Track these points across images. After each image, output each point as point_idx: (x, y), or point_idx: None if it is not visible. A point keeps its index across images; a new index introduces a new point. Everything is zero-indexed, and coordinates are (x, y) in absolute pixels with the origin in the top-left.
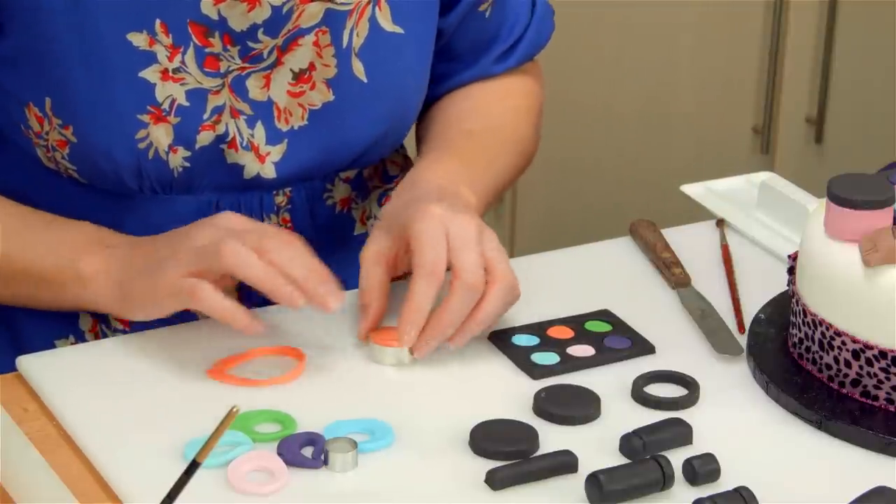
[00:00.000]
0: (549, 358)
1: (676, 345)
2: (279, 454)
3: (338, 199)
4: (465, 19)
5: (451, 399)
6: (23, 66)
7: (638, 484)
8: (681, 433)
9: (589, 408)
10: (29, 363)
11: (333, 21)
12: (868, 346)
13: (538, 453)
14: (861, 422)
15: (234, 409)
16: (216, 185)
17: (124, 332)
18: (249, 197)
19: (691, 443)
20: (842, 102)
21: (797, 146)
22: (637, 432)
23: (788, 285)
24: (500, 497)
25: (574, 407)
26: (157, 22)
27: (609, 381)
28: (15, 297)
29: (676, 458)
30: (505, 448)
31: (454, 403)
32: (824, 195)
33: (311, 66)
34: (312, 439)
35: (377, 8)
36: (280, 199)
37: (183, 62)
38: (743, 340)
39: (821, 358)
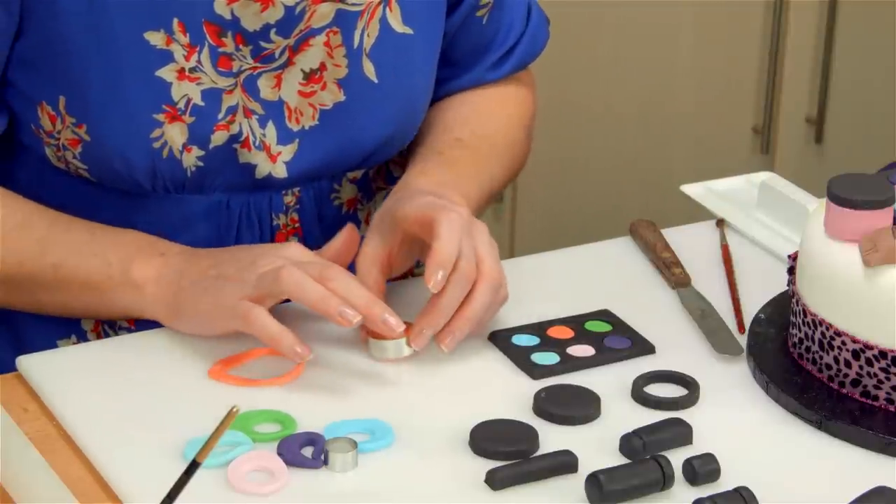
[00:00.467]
0: (549, 358)
1: (676, 345)
2: (279, 454)
3: (345, 200)
4: (463, 24)
5: (451, 399)
6: (39, 66)
7: (638, 484)
8: (681, 433)
9: (589, 408)
10: (29, 363)
11: (345, 21)
12: (868, 346)
13: (538, 453)
14: (861, 422)
15: (234, 409)
16: (228, 184)
17: (129, 330)
18: (259, 197)
19: (691, 443)
20: (842, 102)
21: (797, 146)
22: (637, 432)
23: (788, 285)
24: (500, 497)
25: (574, 407)
26: (175, 21)
27: (609, 381)
28: (61, 308)
29: (676, 458)
30: (505, 448)
31: (454, 403)
32: (824, 195)
33: (322, 67)
34: (312, 439)
35: (388, 9)
36: (289, 199)
37: (199, 61)
38: (743, 340)
39: (821, 358)
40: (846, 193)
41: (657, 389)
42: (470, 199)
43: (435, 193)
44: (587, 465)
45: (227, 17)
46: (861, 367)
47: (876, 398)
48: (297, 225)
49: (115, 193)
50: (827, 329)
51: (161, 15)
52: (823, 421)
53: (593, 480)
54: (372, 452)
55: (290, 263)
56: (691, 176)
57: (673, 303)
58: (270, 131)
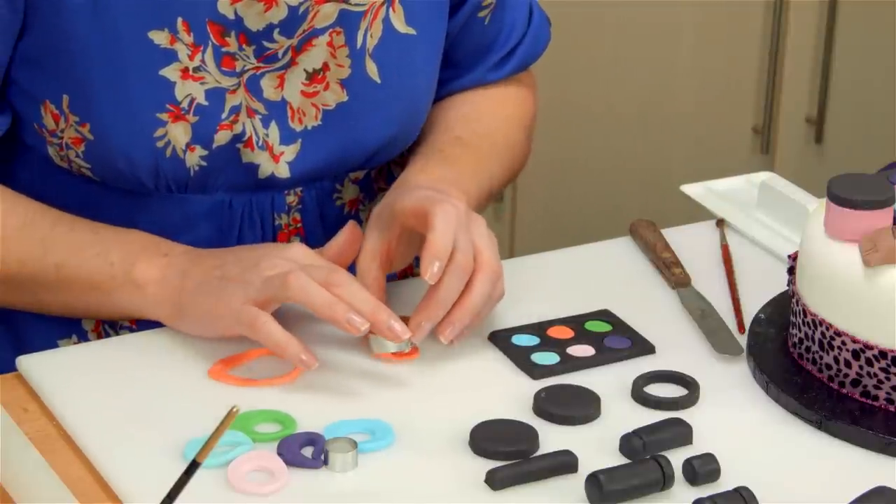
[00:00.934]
0: (549, 358)
1: (676, 345)
2: (279, 454)
3: (346, 200)
4: (465, 25)
5: (451, 399)
6: (43, 64)
7: (638, 484)
8: (681, 433)
9: (589, 408)
10: (29, 363)
11: (348, 22)
12: (868, 346)
13: (538, 453)
14: (861, 422)
15: (234, 409)
16: (230, 184)
17: (130, 329)
18: (262, 197)
19: (691, 443)
20: (842, 102)
21: (797, 146)
22: (637, 432)
23: (788, 285)
24: (500, 497)
25: (574, 407)
26: (179, 20)
27: (609, 381)
28: (64, 307)
29: (676, 458)
30: (505, 448)
31: (454, 403)
32: (824, 195)
33: (325, 67)
34: (312, 439)
35: (391, 9)
36: (291, 199)
37: (203, 61)
38: (743, 340)
39: (821, 358)
40: (846, 193)
41: (657, 389)
42: (469, 195)
43: (434, 189)
44: (587, 465)
45: (231, 16)
46: (861, 367)
47: (876, 398)
48: (298, 225)
49: (118, 193)
50: (827, 329)
51: (165, 14)
52: (823, 421)
53: (593, 480)
54: (372, 452)
55: (296, 268)
56: (691, 176)
57: (673, 303)
58: (273, 131)
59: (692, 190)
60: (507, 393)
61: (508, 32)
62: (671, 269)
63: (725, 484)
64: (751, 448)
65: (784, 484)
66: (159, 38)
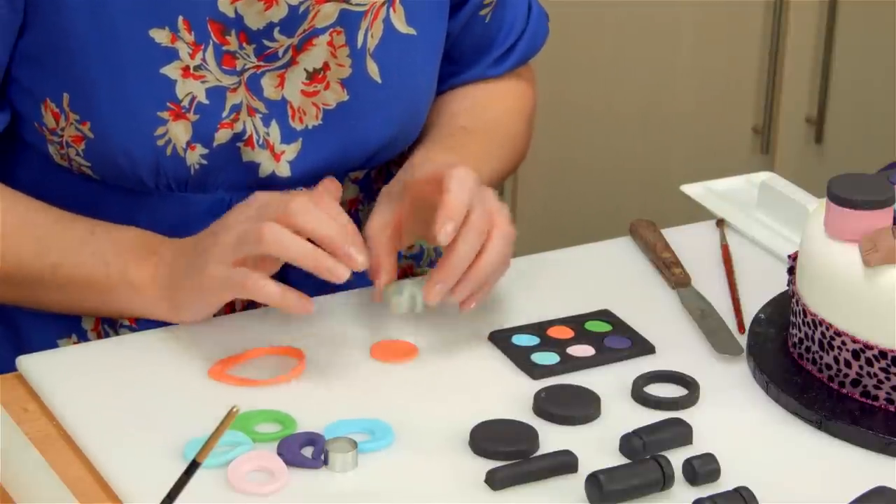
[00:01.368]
0: (549, 358)
1: (676, 345)
2: (279, 454)
3: (346, 200)
4: (467, 24)
5: (451, 399)
6: (43, 62)
7: (638, 484)
8: (681, 433)
9: (589, 408)
10: (29, 363)
11: (348, 21)
12: (868, 346)
13: (538, 453)
14: (861, 422)
15: (234, 409)
16: (231, 183)
17: (131, 329)
18: None
19: (691, 443)
20: (842, 102)
21: (797, 146)
22: (637, 432)
23: (788, 285)
24: (500, 497)
25: (574, 407)
26: (180, 19)
27: (609, 381)
28: (61, 306)
29: (676, 458)
30: (505, 448)
31: (454, 403)
32: (824, 195)
33: (326, 67)
34: (312, 439)
35: (391, 9)
36: None
37: (204, 60)
38: (743, 340)
39: (821, 358)
40: (846, 193)
41: (657, 389)
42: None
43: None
44: (587, 465)
45: (231, 15)
46: (861, 367)
47: (876, 398)
48: None
49: (118, 191)
50: (827, 329)
51: (165, 12)
52: (823, 421)
53: (593, 480)
54: (372, 452)
55: (262, 216)
56: (691, 176)
57: (673, 303)
58: (274, 130)
59: (692, 190)
60: (507, 393)
61: (508, 30)
62: (671, 269)
63: (725, 484)
64: (751, 448)
65: (784, 484)
66: (160, 36)
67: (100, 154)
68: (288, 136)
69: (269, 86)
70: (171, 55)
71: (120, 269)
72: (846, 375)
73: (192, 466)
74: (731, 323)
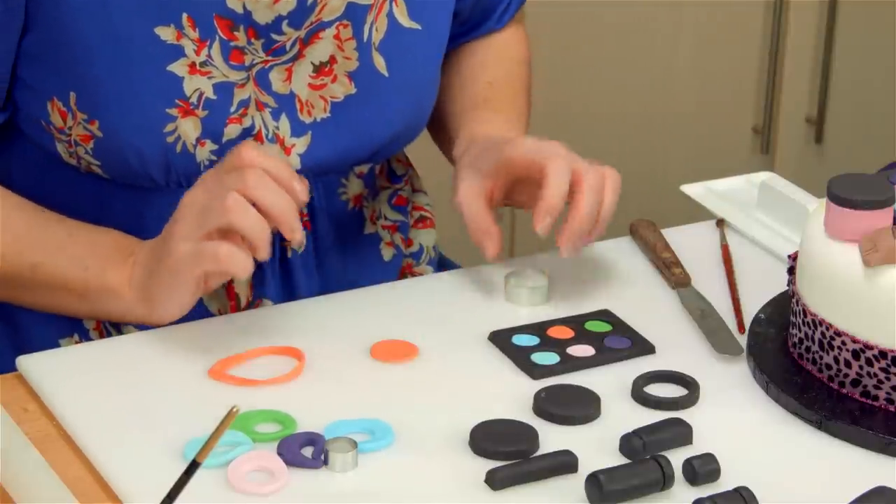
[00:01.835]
0: (549, 358)
1: (676, 345)
2: (279, 454)
3: (351, 196)
4: None
5: (451, 399)
6: (48, 61)
7: (638, 484)
8: (681, 433)
9: (589, 408)
10: (29, 363)
11: (355, 15)
12: (868, 346)
13: (538, 453)
14: (861, 422)
15: (234, 409)
16: None
17: (135, 326)
18: None
19: (691, 443)
20: (842, 102)
21: (797, 146)
22: (637, 432)
23: (788, 285)
24: (500, 497)
25: (574, 407)
26: (184, 16)
27: (609, 381)
28: (42, 306)
29: (676, 458)
30: (505, 448)
31: (454, 403)
32: (824, 195)
33: (332, 60)
34: (312, 439)
35: (394, 4)
36: None
37: (209, 56)
38: (743, 340)
39: (821, 358)
40: (846, 193)
41: (657, 389)
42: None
43: (505, 138)
44: (587, 465)
45: (240, 10)
46: (861, 367)
47: (876, 398)
48: (305, 219)
49: (126, 189)
50: (827, 329)
51: (170, 10)
52: (823, 421)
53: (593, 480)
54: (372, 452)
55: (220, 188)
56: (691, 176)
57: (673, 303)
58: (284, 124)
59: (692, 190)
60: (507, 393)
61: None
62: (671, 269)
63: (725, 484)
64: (751, 448)
65: (784, 484)
66: (165, 34)
67: (109, 152)
68: (298, 129)
69: (277, 80)
70: (177, 52)
71: (97, 273)
72: (846, 375)
73: (192, 466)
74: (731, 323)
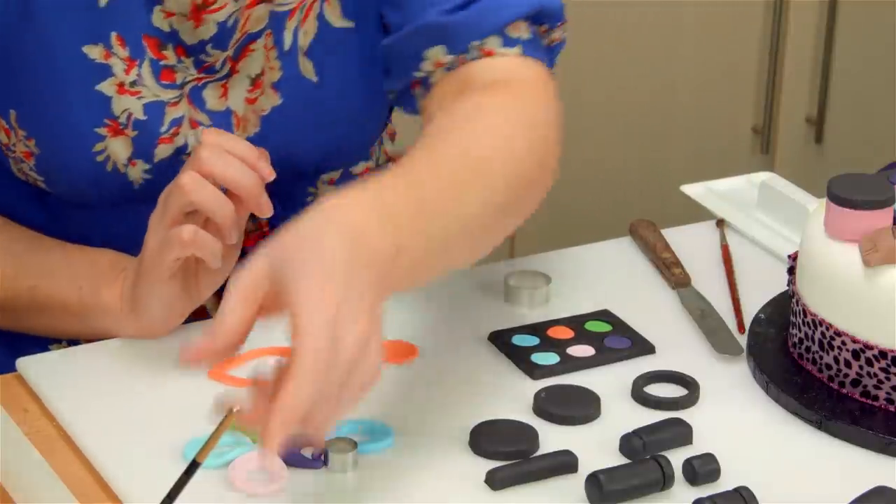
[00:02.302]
0: (549, 358)
1: (676, 345)
2: (279, 454)
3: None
4: None
5: (451, 399)
6: None
7: (638, 484)
8: (681, 433)
9: (589, 408)
10: (28, 364)
11: (275, 22)
12: (868, 346)
13: (538, 453)
14: (861, 422)
15: (235, 409)
16: None
17: None
18: None
19: (691, 443)
20: (842, 102)
21: (797, 146)
22: (637, 432)
23: (788, 285)
24: (500, 497)
25: (574, 407)
26: (113, 35)
27: (609, 381)
28: (41, 329)
29: (676, 458)
30: (505, 448)
31: (454, 403)
32: (824, 195)
33: (263, 71)
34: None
35: (326, 3)
36: None
37: (139, 75)
38: (743, 340)
39: (821, 358)
40: (846, 193)
41: (657, 389)
42: (420, 230)
43: (352, 232)
44: (587, 465)
45: (166, 29)
46: (861, 367)
47: (876, 398)
48: (265, 229)
49: (72, 206)
50: (827, 329)
51: (99, 29)
52: (823, 421)
53: (593, 480)
54: (372, 452)
55: (187, 171)
56: (691, 176)
57: (673, 303)
58: None
59: (692, 190)
60: (507, 393)
61: None
62: (671, 269)
63: (725, 484)
64: (751, 448)
65: (784, 484)
66: (94, 52)
67: (47, 170)
68: None
69: (212, 97)
70: (105, 72)
71: (91, 293)
72: (846, 375)
73: (192, 466)
74: (731, 323)
